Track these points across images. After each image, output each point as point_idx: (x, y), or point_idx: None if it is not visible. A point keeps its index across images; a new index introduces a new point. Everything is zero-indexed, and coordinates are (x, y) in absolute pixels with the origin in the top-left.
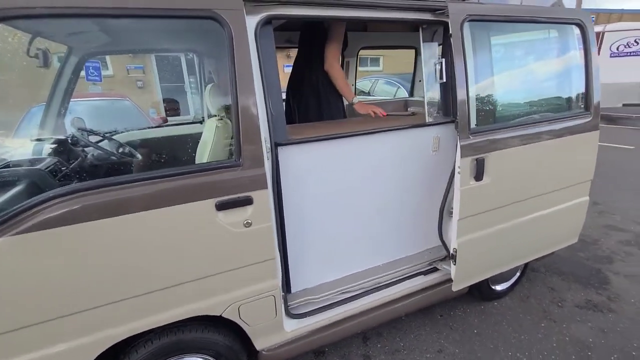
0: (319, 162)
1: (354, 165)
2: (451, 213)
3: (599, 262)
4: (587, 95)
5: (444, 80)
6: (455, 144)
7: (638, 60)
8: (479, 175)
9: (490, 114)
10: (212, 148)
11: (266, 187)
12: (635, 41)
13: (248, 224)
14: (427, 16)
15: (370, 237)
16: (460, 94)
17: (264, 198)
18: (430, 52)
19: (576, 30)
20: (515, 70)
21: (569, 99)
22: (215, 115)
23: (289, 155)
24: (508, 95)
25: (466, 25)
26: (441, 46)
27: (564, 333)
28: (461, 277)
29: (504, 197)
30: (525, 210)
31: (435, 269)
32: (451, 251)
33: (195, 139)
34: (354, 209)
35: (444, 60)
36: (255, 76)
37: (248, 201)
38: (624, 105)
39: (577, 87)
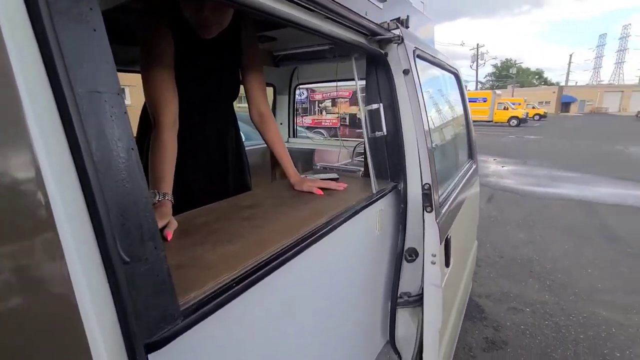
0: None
1: (296, 296)
2: (399, 304)
3: None
4: (469, 143)
5: (384, 132)
6: (396, 213)
7: None
8: (447, 260)
9: (442, 175)
10: None
11: None
12: None
13: None
14: (363, 41)
15: None
16: (427, 152)
17: None
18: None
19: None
20: (440, 117)
21: (464, 147)
22: None
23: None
24: (444, 147)
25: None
26: (364, 85)
27: None
28: None
29: (459, 275)
30: (461, 277)
31: None
32: None
33: None
34: None
35: (381, 105)
36: (36, 142)
37: None
38: None
39: (465, 135)
